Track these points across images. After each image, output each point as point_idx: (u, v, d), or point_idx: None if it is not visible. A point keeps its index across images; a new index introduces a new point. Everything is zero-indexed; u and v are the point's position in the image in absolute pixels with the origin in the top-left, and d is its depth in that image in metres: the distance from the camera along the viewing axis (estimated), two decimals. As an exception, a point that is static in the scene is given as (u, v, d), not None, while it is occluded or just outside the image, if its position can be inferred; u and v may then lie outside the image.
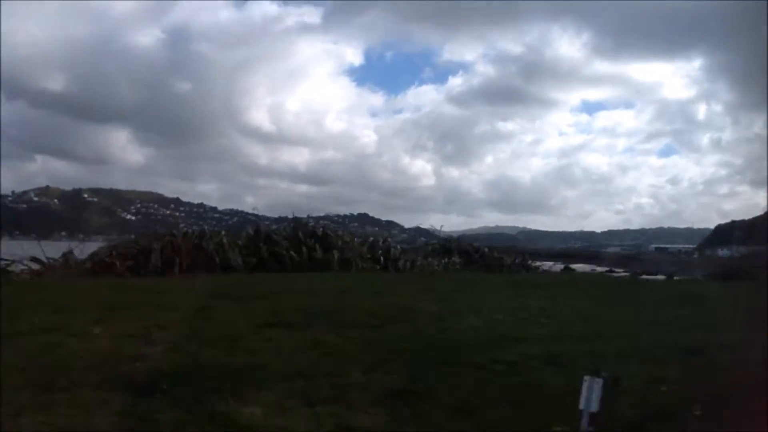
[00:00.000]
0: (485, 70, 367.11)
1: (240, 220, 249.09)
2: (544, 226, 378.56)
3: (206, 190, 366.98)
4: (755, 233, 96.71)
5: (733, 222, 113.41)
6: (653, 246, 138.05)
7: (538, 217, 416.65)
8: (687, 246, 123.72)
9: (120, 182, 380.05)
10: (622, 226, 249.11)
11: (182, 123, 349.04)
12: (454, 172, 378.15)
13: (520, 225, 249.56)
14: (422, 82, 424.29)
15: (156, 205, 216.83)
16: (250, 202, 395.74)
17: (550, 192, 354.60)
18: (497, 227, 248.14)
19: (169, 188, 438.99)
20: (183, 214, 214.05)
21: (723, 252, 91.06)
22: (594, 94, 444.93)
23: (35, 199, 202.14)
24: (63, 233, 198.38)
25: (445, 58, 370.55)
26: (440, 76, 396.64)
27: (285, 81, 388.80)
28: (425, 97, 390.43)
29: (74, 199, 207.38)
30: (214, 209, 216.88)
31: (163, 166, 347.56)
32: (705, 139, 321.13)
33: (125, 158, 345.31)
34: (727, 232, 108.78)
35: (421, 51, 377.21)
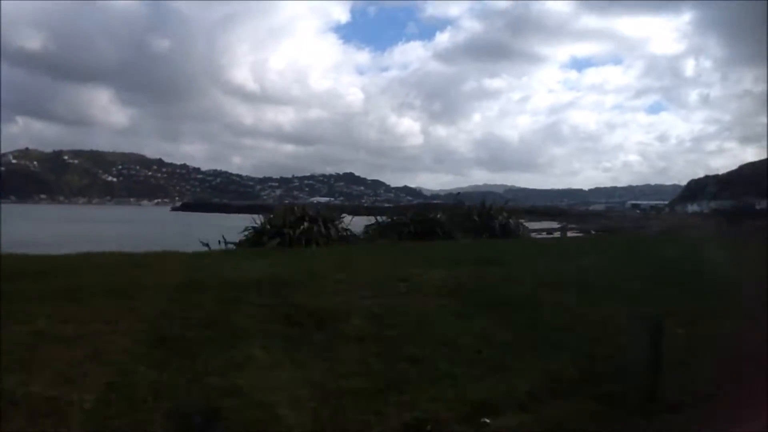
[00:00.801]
0: (472, 26, 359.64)
1: (224, 180, 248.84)
2: (533, 184, 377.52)
3: (191, 151, 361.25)
4: (729, 188, 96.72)
5: (707, 177, 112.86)
6: (629, 203, 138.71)
7: (526, 175, 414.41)
8: (660, 202, 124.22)
9: (104, 144, 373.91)
10: (610, 184, 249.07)
11: (166, 82, 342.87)
12: (441, 131, 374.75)
13: (509, 183, 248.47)
14: (408, 39, 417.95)
15: (138, 167, 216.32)
16: (236, 163, 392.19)
17: (538, 150, 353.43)
18: (485, 185, 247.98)
19: (153, 149, 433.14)
20: (165, 176, 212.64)
21: (692, 207, 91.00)
22: (582, 49, 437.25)
23: (14, 161, 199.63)
24: (42, 196, 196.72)
25: (429, 13, 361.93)
26: (427, 32, 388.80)
27: (269, 38, 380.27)
28: (413, 54, 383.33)
29: (54, 161, 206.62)
30: (197, 170, 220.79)
31: (147, 126, 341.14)
32: (694, 95, 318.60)
33: (108, 119, 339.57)
34: (701, 187, 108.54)
35: (406, 5, 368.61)
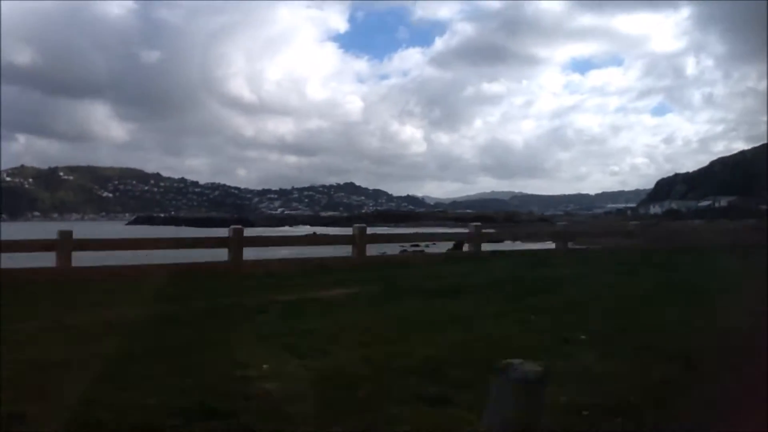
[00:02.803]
0: (466, 29, 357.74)
1: (222, 193, 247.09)
2: (540, 189, 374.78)
3: (196, 165, 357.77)
4: (698, 186, 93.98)
5: (676, 175, 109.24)
6: (610, 206, 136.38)
7: (534, 181, 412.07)
8: (629, 205, 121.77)
9: (107, 159, 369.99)
10: (618, 188, 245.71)
11: (164, 96, 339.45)
12: (444, 138, 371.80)
13: (516, 190, 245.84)
14: (407, 45, 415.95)
15: (134, 182, 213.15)
16: (241, 176, 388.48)
17: (543, 155, 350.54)
18: (493, 192, 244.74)
19: (157, 164, 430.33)
20: (162, 190, 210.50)
21: (654, 209, 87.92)
22: (580, 49, 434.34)
23: (8, 179, 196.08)
24: (36, 213, 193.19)
25: (424, 17, 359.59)
26: (424, 37, 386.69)
27: (267, 49, 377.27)
28: (411, 60, 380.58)
29: (49, 177, 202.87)
30: (195, 184, 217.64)
31: (148, 141, 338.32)
32: (697, 95, 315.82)
33: (108, 134, 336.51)
34: (671, 186, 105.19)
35: (400, 11, 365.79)
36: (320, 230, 55.86)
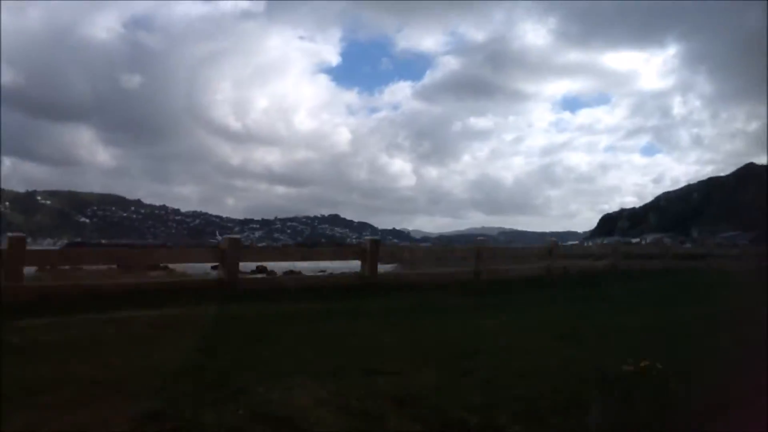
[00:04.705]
0: (454, 63, 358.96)
1: (202, 222, 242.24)
2: (530, 226, 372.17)
3: (183, 192, 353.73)
4: (642, 221, 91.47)
5: (622, 210, 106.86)
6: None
7: (523, 218, 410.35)
8: (573, 242, 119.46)
9: (93, 184, 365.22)
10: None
11: (155, 122, 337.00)
12: (433, 172, 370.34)
13: (507, 226, 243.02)
14: (398, 78, 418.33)
15: (114, 208, 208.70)
16: (230, 204, 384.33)
17: (532, 192, 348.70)
18: (483, 228, 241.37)
19: (145, 191, 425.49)
20: (141, 216, 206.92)
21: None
22: (567, 85, 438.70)
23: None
24: (10, 234, 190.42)
25: (411, 50, 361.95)
26: (408, 70, 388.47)
27: (257, 78, 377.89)
28: (400, 93, 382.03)
29: (26, 201, 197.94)
30: (176, 211, 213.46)
31: (135, 167, 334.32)
32: (685, 135, 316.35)
33: (93, 159, 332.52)
34: (614, 222, 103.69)
35: (380, 39, 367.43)
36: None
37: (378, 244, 14.25)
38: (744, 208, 67.54)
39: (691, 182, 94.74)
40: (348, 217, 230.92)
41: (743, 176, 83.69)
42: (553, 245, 18.25)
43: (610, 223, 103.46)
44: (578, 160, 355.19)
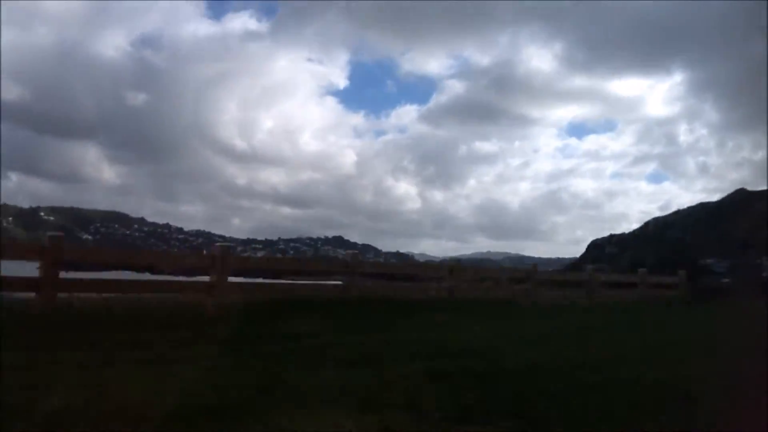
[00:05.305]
0: (458, 87, 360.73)
1: (205, 241, 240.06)
2: (536, 252, 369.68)
3: (189, 212, 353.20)
4: (630, 247, 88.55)
5: (611, 236, 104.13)
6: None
7: (530, 243, 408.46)
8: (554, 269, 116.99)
9: (100, 202, 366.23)
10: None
11: (163, 140, 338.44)
12: (438, 196, 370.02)
13: (513, 251, 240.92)
14: (404, 102, 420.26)
15: (117, 225, 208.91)
16: (236, 224, 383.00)
17: (538, 217, 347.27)
18: (489, 253, 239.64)
19: (150, 209, 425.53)
20: (144, 234, 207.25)
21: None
22: (573, 111, 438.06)
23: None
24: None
25: (407, 70, 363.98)
26: (414, 94, 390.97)
27: (264, 100, 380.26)
28: (406, 117, 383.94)
29: (29, 217, 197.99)
30: (179, 230, 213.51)
31: (140, 185, 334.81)
32: (691, 163, 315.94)
33: (99, 176, 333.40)
34: (601, 248, 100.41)
35: (385, 62, 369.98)
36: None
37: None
38: (725, 234, 65.42)
39: (681, 208, 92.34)
40: (352, 239, 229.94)
41: (733, 202, 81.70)
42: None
43: (597, 249, 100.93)
44: (585, 186, 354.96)
